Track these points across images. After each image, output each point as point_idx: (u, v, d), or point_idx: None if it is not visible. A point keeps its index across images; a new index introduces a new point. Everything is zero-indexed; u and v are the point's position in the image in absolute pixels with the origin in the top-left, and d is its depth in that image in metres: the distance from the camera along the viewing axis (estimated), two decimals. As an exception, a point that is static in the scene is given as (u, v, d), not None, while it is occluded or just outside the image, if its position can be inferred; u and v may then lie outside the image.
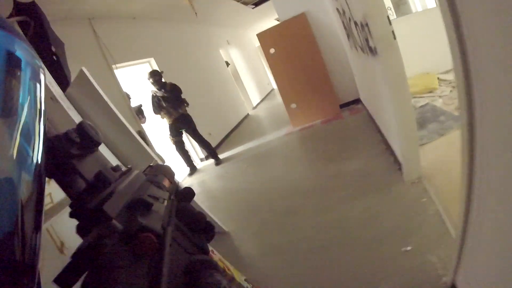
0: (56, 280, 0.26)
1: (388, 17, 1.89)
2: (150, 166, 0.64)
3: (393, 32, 1.89)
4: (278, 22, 10.60)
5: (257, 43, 11.32)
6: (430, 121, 2.76)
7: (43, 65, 0.34)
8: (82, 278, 0.27)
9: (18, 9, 1.89)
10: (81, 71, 1.78)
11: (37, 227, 0.28)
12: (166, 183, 0.54)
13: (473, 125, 0.92)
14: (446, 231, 1.56)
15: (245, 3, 6.73)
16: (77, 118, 1.97)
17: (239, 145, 5.18)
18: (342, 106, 4.58)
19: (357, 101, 4.49)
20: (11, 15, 1.87)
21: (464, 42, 0.80)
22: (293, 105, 4.68)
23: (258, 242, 2.30)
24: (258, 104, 9.01)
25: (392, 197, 2.07)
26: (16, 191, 0.24)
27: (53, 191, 2.27)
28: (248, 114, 7.68)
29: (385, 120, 2.60)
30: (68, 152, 0.34)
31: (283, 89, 4.67)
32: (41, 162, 0.29)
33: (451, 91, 3.31)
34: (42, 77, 0.34)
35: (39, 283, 0.27)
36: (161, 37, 5.03)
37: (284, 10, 4.32)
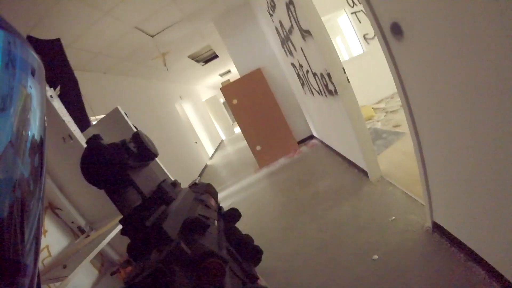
0: None
1: (343, 68, 2.74)
2: (194, 183, 0.62)
3: (347, 78, 2.72)
4: (220, 77, 11.70)
5: (205, 97, 12.16)
6: (376, 139, 3.65)
7: (42, 65, 0.34)
8: None
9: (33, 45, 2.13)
10: (116, 109, 2.08)
11: (37, 229, 0.28)
12: (212, 202, 0.53)
13: (415, 122, 1.61)
14: (414, 200, 2.22)
15: (197, 61, 7.55)
16: None
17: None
18: (299, 142, 5.40)
19: (311, 137, 5.37)
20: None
21: (402, 80, 1.51)
22: (258, 147, 5.30)
23: (270, 254, 2.62)
24: (213, 154, 9.43)
25: (365, 194, 2.70)
26: (16, 193, 0.24)
27: (51, 244, 2.28)
28: (207, 164, 8.00)
29: (345, 143, 3.36)
30: (125, 162, 0.31)
31: (248, 134, 5.29)
32: (41, 163, 0.29)
33: (385, 115, 4.38)
34: (41, 76, 0.33)
35: (39, 284, 0.28)
36: (125, 91, 5.33)
37: (243, 66, 5.17)
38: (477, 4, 0.86)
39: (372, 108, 4.97)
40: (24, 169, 0.27)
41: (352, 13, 5.53)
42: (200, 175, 6.86)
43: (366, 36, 5.72)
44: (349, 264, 1.97)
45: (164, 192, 0.34)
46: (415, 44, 1.27)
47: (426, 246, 1.80)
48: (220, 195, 5.01)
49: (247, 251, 0.45)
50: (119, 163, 0.31)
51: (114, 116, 2.17)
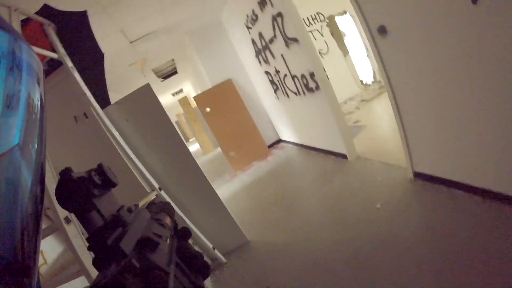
0: None
1: (323, 68, 3.35)
2: (153, 202, 0.70)
3: (326, 75, 3.34)
4: (172, 97, 11.62)
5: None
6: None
7: (41, 65, 0.35)
8: None
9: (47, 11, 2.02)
10: (147, 85, 2.21)
11: (37, 229, 0.29)
12: (167, 221, 0.59)
13: (393, 91, 2.25)
14: (391, 165, 2.83)
15: (158, 76, 7.61)
16: (112, 137, 2.26)
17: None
18: (268, 147, 5.87)
19: (278, 141, 5.91)
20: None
21: (384, 63, 2.14)
22: (232, 153, 5.58)
23: (280, 229, 2.91)
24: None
25: (349, 170, 3.25)
26: (17, 193, 0.25)
27: (46, 250, 2.17)
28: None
29: (322, 134, 3.94)
30: (90, 192, 0.38)
31: (222, 140, 5.55)
32: (42, 165, 0.31)
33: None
34: (41, 76, 0.34)
35: (38, 284, 0.29)
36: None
37: (214, 76, 5.53)
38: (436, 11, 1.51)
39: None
40: (28, 171, 0.29)
41: (308, 32, 6.42)
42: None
43: (321, 51, 6.64)
44: (358, 214, 2.41)
45: (121, 218, 0.45)
46: (394, 39, 1.95)
47: (414, 191, 2.35)
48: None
49: (196, 266, 0.55)
50: (85, 193, 0.40)
51: (143, 94, 2.29)
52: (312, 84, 3.47)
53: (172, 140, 2.39)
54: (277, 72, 4.30)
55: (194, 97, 5.44)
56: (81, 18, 2.14)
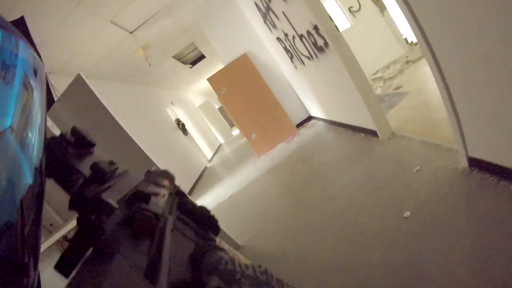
0: (57, 266, 0.25)
1: (330, 16, 2.45)
2: (148, 171, 0.62)
3: (336, 26, 2.43)
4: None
5: (197, 103, 11.93)
6: (380, 103, 3.33)
7: (42, 64, 0.34)
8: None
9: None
10: (78, 75, 1.79)
11: (37, 227, 0.28)
12: (165, 183, 0.54)
13: (434, 53, 1.33)
14: (437, 146, 1.90)
15: (184, 62, 7.31)
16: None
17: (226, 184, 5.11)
18: (297, 126, 5.08)
19: (309, 118, 5.06)
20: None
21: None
22: (254, 135, 4.99)
23: (273, 235, 2.28)
24: (212, 157, 9.12)
25: (378, 154, 2.38)
26: (15, 191, 0.24)
27: None
28: (206, 166, 7.69)
29: (345, 107, 3.05)
30: (65, 151, 0.35)
31: (241, 122, 4.99)
32: (40, 162, 0.29)
33: (384, 83, 4.08)
34: (42, 75, 0.33)
35: (39, 283, 0.27)
36: (115, 97, 5.07)
37: (228, 53, 4.91)
38: None
39: (370, 79, 4.67)
40: (26, 162, 0.27)
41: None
42: (199, 177, 6.53)
43: (351, 9, 5.48)
44: (376, 228, 1.63)
45: (99, 168, 0.35)
46: None
47: (466, 188, 1.48)
48: (224, 188, 4.67)
49: (202, 220, 0.49)
50: (59, 151, 0.33)
51: (77, 86, 1.87)
52: (320, 41, 2.61)
53: (115, 133, 1.92)
54: (286, 35, 3.47)
55: (208, 79, 4.94)
56: (20, 25, 1.93)
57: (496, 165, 1.36)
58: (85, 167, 0.37)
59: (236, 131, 13.11)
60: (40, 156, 0.30)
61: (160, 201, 0.41)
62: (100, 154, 0.45)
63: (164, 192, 0.47)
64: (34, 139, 0.29)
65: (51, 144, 0.34)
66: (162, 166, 3.05)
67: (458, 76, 1.33)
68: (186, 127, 8.07)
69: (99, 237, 0.26)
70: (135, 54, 4.42)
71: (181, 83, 9.34)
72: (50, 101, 2.18)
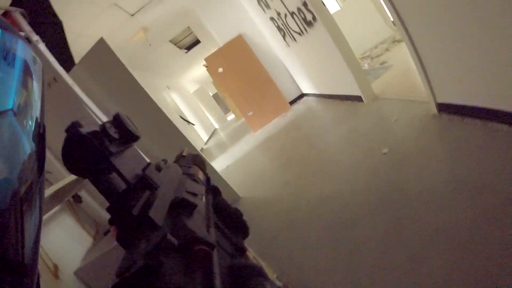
0: None
1: (318, -7, 2.71)
2: (182, 155, 0.60)
3: (322, 1, 2.70)
4: (206, 68, 11.63)
5: (192, 89, 12.09)
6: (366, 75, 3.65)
7: (41, 63, 0.34)
8: None
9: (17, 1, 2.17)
10: (101, 39, 2.01)
11: (37, 225, 0.28)
12: (200, 175, 0.52)
13: (403, 21, 1.64)
14: (412, 101, 2.22)
15: (180, 47, 7.48)
16: (82, 95, 2.14)
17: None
18: (291, 103, 5.37)
19: (301, 96, 5.35)
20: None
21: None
22: (250, 113, 5.27)
23: (270, 184, 2.59)
24: (207, 140, 9.39)
25: (362, 114, 2.70)
26: (14, 188, 0.23)
27: None
28: (202, 148, 7.96)
29: (333, 76, 3.34)
30: (107, 149, 0.31)
31: (238, 100, 5.25)
32: (37, 152, 0.29)
33: (371, 60, 4.41)
34: (40, 73, 0.33)
35: (38, 284, 0.27)
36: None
37: (223, 34, 5.13)
38: None
39: (358, 59, 4.97)
40: (27, 147, 0.26)
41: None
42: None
43: (342, -8, 5.71)
44: (359, 162, 1.95)
45: (149, 179, 0.35)
46: None
47: (437, 128, 1.76)
48: (227, 155, 4.96)
49: (236, 226, 0.46)
50: (99, 151, 0.30)
51: (99, 50, 2.09)
52: (309, 16, 2.88)
53: (136, 92, 2.17)
54: (279, 14, 3.72)
55: (205, 58, 5.17)
56: None
57: (460, 105, 1.64)
58: (126, 166, 0.34)
59: (231, 116, 13.33)
60: (41, 149, 0.30)
61: (201, 209, 0.38)
62: (143, 145, 0.47)
63: (202, 189, 0.46)
64: (34, 130, 0.29)
65: (91, 140, 0.31)
66: (161, 147, 3.24)
67: (424, 40, 1.64)
68: (188, 119, 8.35)
69: (155, 282, 0.24)
70: (136, 37, 4.60)
71: (176, 69, 9.49)
72: (61, 38, 2.39)
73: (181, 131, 2.51)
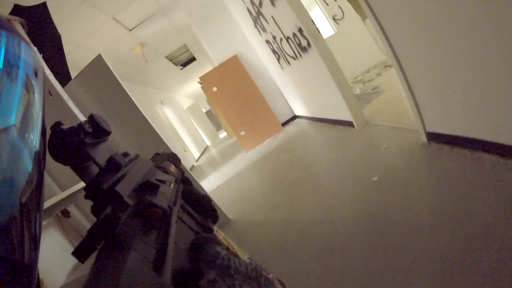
0: (74, 253, 0.27)
1: (312, 20, 2.82)
2: (157, 153, 0.68)
3: (317, 29, 2.80)
4: (200, 85, 11.74)
5: (185, 105, 12.11)
6: (358, 100, 3.73)
7: (42, 64, 0.36)
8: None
9: (17, 10, 2.16)
10: (99, 56, 2.02)
11: (37, 226, 0.28)
12: (172, 168, 0.57)
13: (392, 47, 1.71)
14: (403, 129, 2.27)
15: (175, 63, 7.56)
16: (76, 111, 2.12)
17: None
18: (283, 124, 5.42)
19: (293, 117, 5.42)
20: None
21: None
22: (242, 132, 5.28)
23: (262, 206, 2.56)
24: (199, 157, 9.31)
25: (353, 139, 2.73)
26: (14, 189, 0.24)
27: None
28: (193, 165, 7.88)
29: (325, 101, 3.41)
30: (82, 141, 0.37)
31: (231, 120, 5.28)
32: (38, 162, 0.29)
33: (363, 84, 4.53)
34: (41, 75, 0.34)
35: (38, 284, 0.28)
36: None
37: (219, 54, 5.22)
38: None
39: (350, 82, 5.11)
40: (29, 154, 0.27)
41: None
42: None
43: (335, 17, 5.93)
44: (348, 190, 1.94)
45: (115, 161, 0.41)
46: None
47: (426, 157, 1.79)
48: (218, 174, 4.90)
49: (204, 210, 0.52)
50: (77, 142, 0.38)
51: (96, 66, 2.09)
52: (303, 42, 2.96)
53: (130, 111, 2.16)
54: (274, 38, 3.83)
55: (201, 77, 5.22)
56: (42, 9, 2.21)
57: (449, 135, 1.68)
58: (100, 155, 0.41)
59: (223, 134, 13.33)
60: (42, 157, 0.31)
61: (167, 190, 0.44)
62: (114, 139, 0.56)
63: (171, 179, 0.51)
64: (36, 140, 0.30)
65: (69, 134, 0.36)
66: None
67: (415, 69, 1.70)
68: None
69: (113, 230, 0.29)
70: (133, 52, 4.64)
71: (170, 84, 9.55)
72: (59, 51, 2.38)
73: (175, 146, 2.49)
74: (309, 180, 2.45)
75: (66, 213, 2.26)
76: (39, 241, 0.29)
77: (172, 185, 0.48)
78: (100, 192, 0.35)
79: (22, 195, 0.25)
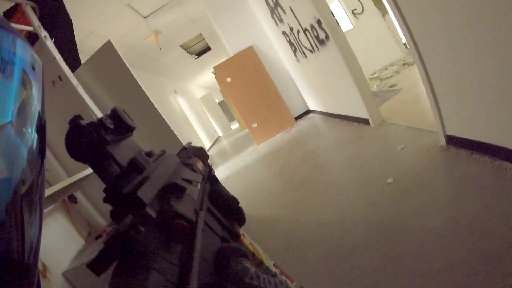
0: (89, 266, 0.26)
1: (332, 12, 2.70)
2: (184, 148, 0.64)
3: (336, 21, 2.68)
4: (214, 75, 11.72)
5: (198, 95, 12.13)
6: (374, 97, 3.60)
7: (40, 61, 0.34)
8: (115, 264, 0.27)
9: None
10: (108, 42, 2.00)
11: (37, 226, 0.28)
12: (199, 165, 0.54)
13: (416, 43, 1.60)
14: (421, 130, 2.16)
15: (190, 53, 7.53)
16: (85, 96, 2.12)
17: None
18: (296, 118, 5.33)
19: (307, 112, 5.32)
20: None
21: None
22: (254, 125, 5.23)
23: (270, 205, 2.53)
24: (210, 147, 9.35)
25: (368, 137, 2.64)
26: (13, 188, 0.24)
27: None
28: (204, 154, 7.92)
29: (341, 97, 3.31)
30: (102, 138, 0.34)
31: (243, 111, 5.22)
32: (37, 158, 0.29)
33: (380, 81, 4.37)
34: (39, 71, 0.33)
35: (38, 283, 0.27)
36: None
37: (234, 44, 5.14)
38: None
39: (368, 79, 4.95)
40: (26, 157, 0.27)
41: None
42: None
43: (355, 12, 5.74)
44: (361, 191, 1.88)
45: (138, 163, 0.38)
46: None
47: (443, 161, 1.69)
48: (228, 166, 4.91)
49: (231, 213, 0.49)
50: (96, 140, 0.34)
51: (106, 52, 2.08)
52: (321, 34, 2.86)
53: (137, 96, 2.15)
54: (291, 29, 3.72)
55: (215, 67, 5.17)
56: (68, 27, 2.19)
57: (470, 140, 1.58)
58: (121, 154, 0.38)
59: (235, 125, 13.32)
60: (41, 152, 0.30)
61: (193, 192, 0.41)
62: (138, 138, 0.46)
63: (199, 177, 0.47)
64: (34, 136, 0.29)
65: (89, 130, 0.34)
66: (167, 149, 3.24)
67: (438, 69, 1.59)
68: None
69: (133, 244, 0.26)
70: (147, 40, 4.63)
71: (185, 73, 9.55)
72: (71, 37, 2.39)
73: (186, 134, 2.47)
74: (321, 178, 2.39)
75: (73, 199, 2.30)
76: (40, 241, 0.28)
77: (199, 185, 0.45)
78: (120, 196, 0.32)
79: (21, 194, 0.25)
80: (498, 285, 0.88)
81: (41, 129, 0.32)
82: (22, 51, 0.30)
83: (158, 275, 0.26)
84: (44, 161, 0.33)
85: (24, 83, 0.29)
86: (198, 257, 0.30)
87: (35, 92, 0.31)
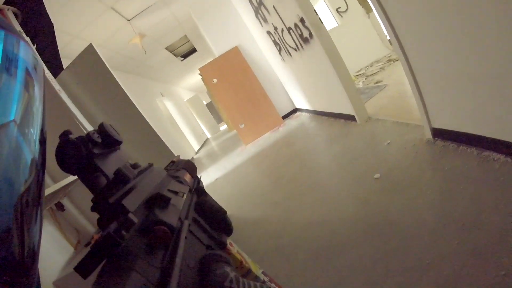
0: (76, 268, 0.26)
1: (315, 10, 2.71)
2: (172, 161, 0.66)
3: (320, 19, 2.69)
4: (201, 77, 11.61)
5: (186, 97, 12.01)
6: (360, 94, 3.63)
7: (41, 62, 0.42)
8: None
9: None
10: (90, 45, 1.94)
11: (37, 226, 0.28)
12: (187, 177, 0.55)
13: (399, 40, 1.62)
14: (407, 125, 2.19)
15: (176, 55, 7.44)
16: (68, 103, 2.05)
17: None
18: (283, 117, 5.34)
19: (294, 110, 5.33)
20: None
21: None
22: (242, 125, 5.21)
23: (258, 205, 2.51)
24: (198, 150, 9.26)
25: (355, 134, 2.65)
26: (15, 186, 0.24)
27: None
28: (193, 157, 7.84)
29: (327, 94, 3.32)
30: (90, 152, 0.36)
31: (230, 112, 5.19)
32: (38, 158, 0.29)
33: (366, 78, 4.41)
34: (41, 72, 0.34)
35: (38, 283, 0.27)
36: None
37: (220, 45, 5.11)
38: None
39: (353, 76, 5.00)
40: (28, 155, 0.27)
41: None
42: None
43: (339, 10, 5.79)
44: (348, 187, 1.88)
45: (122, 173, 0.39)
46: None
47: (430, 154, 1.70)
48: (217, 167, 4.85)
49: (218, 223, 0.50)
50: (85, 153, 0.36)
51: (87, 56, 2.02)
52: (305, 33, 2.86)
53: (120, 100, 2.09)
54: (275, 29, 3.72)
55: (200, 68, 5.12)
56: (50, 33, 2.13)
57: (456, 132, 1.60)
58: (109, 166, 0.39)
59: (223, 126, 13.26)
60: (42, 153, 0.31)
61: (179, 202, 0.42)
62: (125, 149, 0.48)
63: (185, 189, 0.49)
64: (36, 135, 0.30)
65: (77, 144, 0.35)
66: (152, 154, 3.13)
67: (422, 64, 1.61)
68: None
69: (116, 248, 0.28)
70: (131, 42, 4.54)
71: (171, 76, 9.44)
72: (52, 41, 2.32)
73: (173, 138, 2.43)
74: (309, 177, 2.39)
75: (60, 207, 2.23)
76: (39, 241, 0.28)
77: (185, 196, 0.47)
78: (106, 205, 0.34)
79: (22, 192, 0.24)
80: (490, 278, 0.88)
81: (42, 129, 0.32)
82: (25, 52, 0.30)
83: (138, 275, 0.26)
84: (45, 161, 0.33)
85: (27, 84, 0.29)
86: (179, 261, 0.31)
87: (37, 93, 0.31)
